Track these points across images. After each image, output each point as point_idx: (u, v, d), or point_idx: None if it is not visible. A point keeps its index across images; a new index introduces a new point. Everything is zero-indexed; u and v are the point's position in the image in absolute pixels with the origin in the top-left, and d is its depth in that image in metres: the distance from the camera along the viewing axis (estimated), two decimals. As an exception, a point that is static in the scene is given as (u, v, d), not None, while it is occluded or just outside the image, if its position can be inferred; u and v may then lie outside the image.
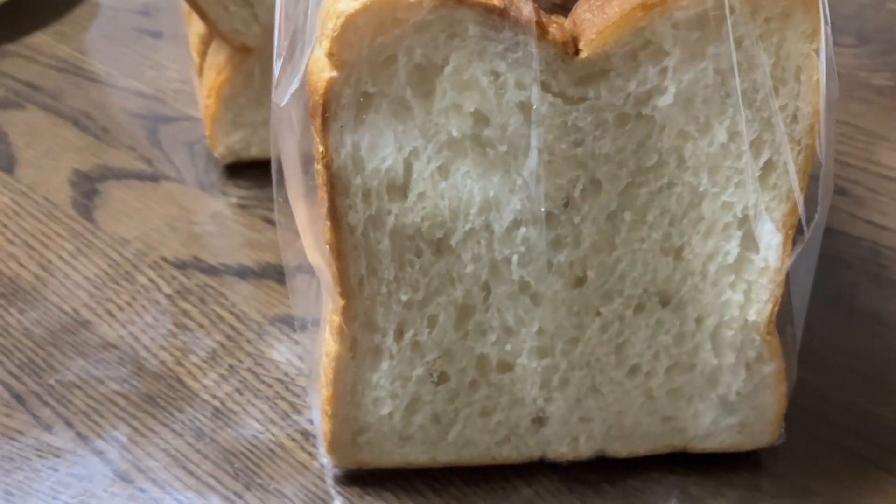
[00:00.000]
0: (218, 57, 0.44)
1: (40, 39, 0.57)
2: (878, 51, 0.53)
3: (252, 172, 0.46)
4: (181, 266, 0.42)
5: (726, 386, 0.31)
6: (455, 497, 0.33)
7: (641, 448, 0.32)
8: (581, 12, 0.27)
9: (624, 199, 0.28)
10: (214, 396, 0.36)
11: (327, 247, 0.28)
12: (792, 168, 0.27)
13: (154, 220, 0.44)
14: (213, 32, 0.44)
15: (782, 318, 0.31)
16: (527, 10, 0.25)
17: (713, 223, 0.29)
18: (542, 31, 0.26)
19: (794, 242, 0.29)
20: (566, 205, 0.28)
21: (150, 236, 0.43)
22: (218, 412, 0.36)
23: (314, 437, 0.34)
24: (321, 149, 0.27)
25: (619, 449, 0.32)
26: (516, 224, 0.28)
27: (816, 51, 0.26)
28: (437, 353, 0.30)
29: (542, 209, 0.27)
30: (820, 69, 0.26)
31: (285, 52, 0.26)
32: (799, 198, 0.28)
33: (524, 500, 0.32)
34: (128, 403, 0.36)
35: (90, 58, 0.56)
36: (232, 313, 0.40)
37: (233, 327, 0.39)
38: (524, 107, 0.27)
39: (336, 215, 0.28)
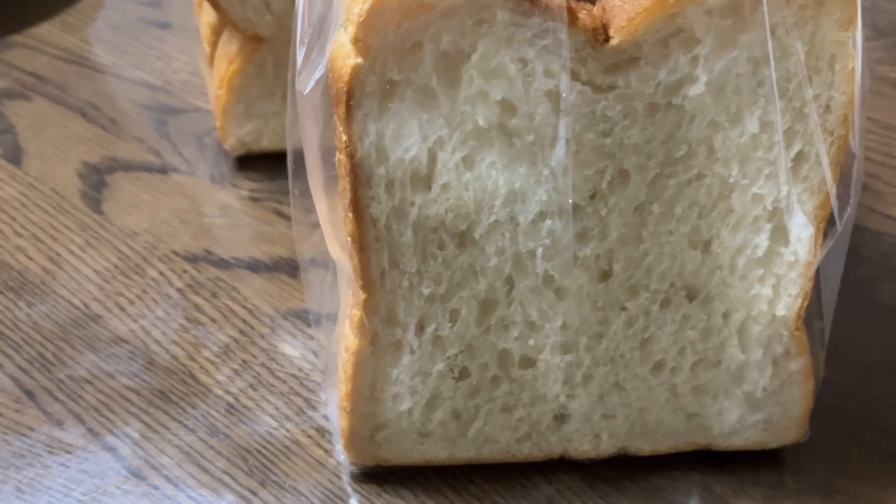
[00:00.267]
0: (229, 47, 0.44)
1: (46, 30, 0.56)
2: (893, 44, 0.53)
3: (263, 164, 0.46)
4: (192, 259, 0.41)
5: (753, 382, 0.30)
6: (475, 495, 0.32)
7: (664, 446, 0.32)
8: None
9: (652, 190, 0.28)
10: (228, 392, 0.36)
11: (349, 239, 0.28)
12: (825, 159, 0.27)
13: (164, 212, 0.44)
14: (225, 22, 0.43)
15: (809, 313, 0.30)
16: (557, -4, 0.25)
17: (743, 216, 0.28)
18: (573, 17, 0.25)
19: (825, 236, 0.28)
20: (593, 196, 0.28)
21: (159, 229, 0.43)
22: (231, 408, 0.35)
23: (330, 433, 0.34)
24: (344, 138, 0.26)
25: (642, 446, 0.32)
26: (542, 216, 0.28)
27: (851, 39, 0.26)
28: (459, 348, 0.30)
29: (569, 201, 0.27)
30: (856, 58, 0.26)
31: (308, 39, 0.26)
32: (832, 189, 0.27)
33: (545, 498, 0.32)
34: (139, 399, 0.35)
35: (97, 48, 0.55)
36: (244, 307, 0.39)
37: (245, 322, 0.38)
38: (552, 95, 0.26)
39: (358, 207, 0.27)
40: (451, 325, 0.29)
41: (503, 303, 0.29)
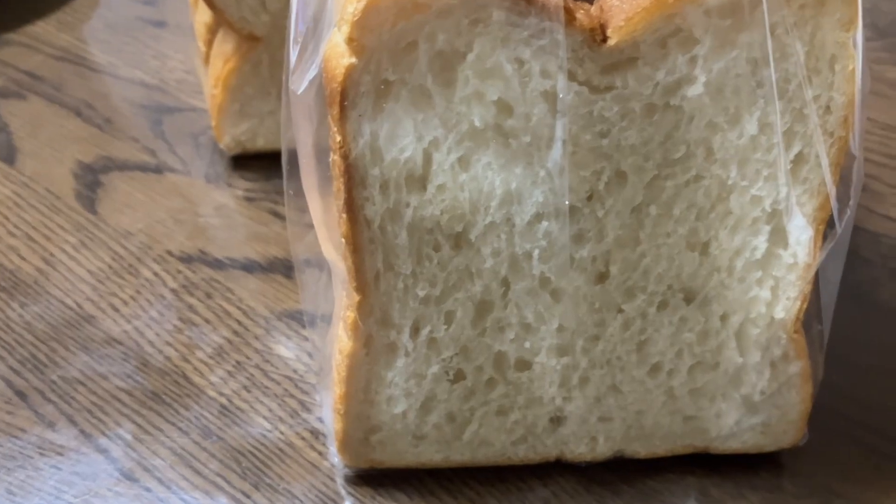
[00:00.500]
0: (225, 46, 0.44)
1: (41, 28, 0.56)
2: (893, 44, 0.53)
3: (258, 164, 0.45)
4: (186, 260, 0.41)
5: (751, 385, 0.30)
6: (469, 498, 0.32)
7: (661, 448, 0.32)
8: (608, -1, 0.26)
9: (650, 192, 0.28)
10: (221, 393, 0.35)
11: (343, 240, 0.27)
12: (824, 161, 0.26)
13: (158, 212, 0.43)
14: (221, 21, 0.43)
15: (808, 315, 0.30)
16: (554, -5, 0.24)
17: (741, 217, 0.28)
18: (570, 17, 0.25)
19: (824, 238, 0.28)
20: (590, 198, 0.27)
21: (154, 229, 0.42)
22: (225, 410, 0.35)
23: (324, 435, 0.33)
24: (338, 138, 0.26)
25: (639, 449, 0.32)
26: (538, 218, 0.27)
27: (852, 39, 0.25)
28: (454, 351, 0.29)
29: (566, 202, 0.27)
30: (856, 58, 0.25)
31: (302, 38, 0.25)
32: (831, 191, 0.27)
33: (540, 501, 0.32)
34: (132, 400, 0.35)
35: (92, 47, 0.55)
36: (239, 308, 0.39)
37: (240, 323, 0.38)
38: (549, 96, 0.26)
39: (352, 208, 0.27)
40: (446, 327, 0.29)
41: (499, 305, 0.29)
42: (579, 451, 0.31)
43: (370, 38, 0.25)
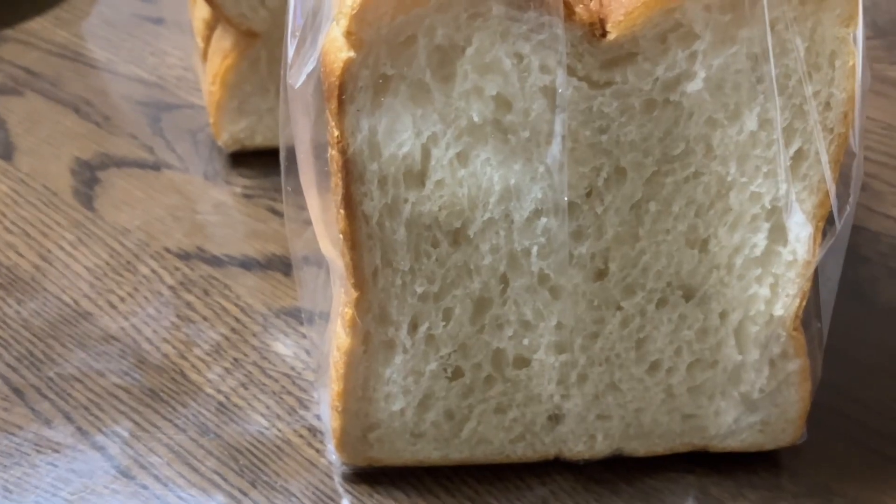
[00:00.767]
0: (223, 42, 0.43)
1: (39, 25, 0.56)
2: (893, 43, 0.52)
3: (257, 161, 0.45)
4: (184, 257, 0.41)
5: (749, 383, 0.30)
6: (468, 496, 0.32)
7: (660, 447, 0.32)
8: (607, -6, 0.26)
9: (649, 188, 0.27)
10: (219, 391, 0.35)
11: (341, 236, 0.27)
12: (824, 157, 0.26)
13: (156, 209, 0.43)
14: (219, 17, 0.42)
15: (807, 313, 0.30)
16: (553, -10, 0.24)
17: (741, 214, 0.28)
18: (569, 11, 0.25)
19: (824, 235, 0.28)
20: (589, 194, 0.27)
21: (152, 226, 0.42)
22: (222, 407, 0.35)
23: (322, 433, 0.33)
24: (336, 133, 0.26)
25: (637, 448, 0.32)
26: (537, 214, 0.27)
27: (852, 35, 0.25)
28: (452, 348, 0.29)
29: (565, 199, 0.26)
30: (857, 55, 0.25)
31: (300, 32, 0.25)
32: (831, 188, 0.27)
33: (539, 500, 0.32)
34: (129, 397, 0.35)
35: (90, 44, 0.55)
36: (236, 305, 0.39)
37: (237, 320, 0.38)
38: (548, 91, 0.26)
39: (350, 203, 0.27)
40: (444, 324, 0.29)
41: (497, 302, 0.29)
42: (578, 449, 0.31)
43: (368, 32, 0.24)
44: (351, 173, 0.26)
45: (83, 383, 0.36)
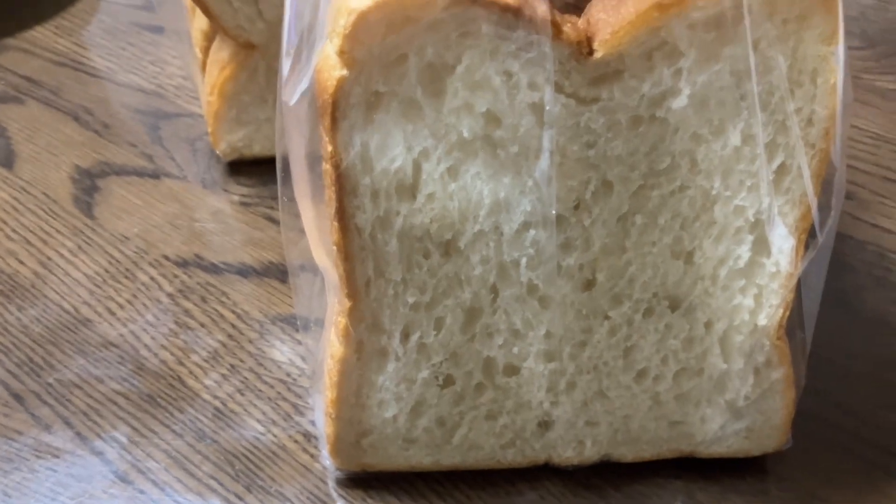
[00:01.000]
0: (221, 53, 0.44)
1: (40, 33, 0.57)
2: (883, 53, 0.53)
3: (254, 170, 0.46)
4: (182, 264, 0.41)
5: (735, 391, 0.31)
6: (459, 501, 0.32)
7: (648, 453, 0.32)
8: (595, 12, 0.27)
9: (635, 201, 0.28)
10: (216, 397, 0.36)
11: (334, 248, 0.28)
12: (806, 172, 0.27)
13: (155, 217, 0.44)
14: (217, 28, 0.43)
15: (791, 323, 0.30)
16: (542, 10, 0.25)
17: (725, 227, 0.28)
18: (557, 30, 0.25)
19: (807, 247, 0.29)
20: (577, 207, 0.28)
21: (151, 234, 0.43)
22: (219, 413, 0.35)
23: (316, 438, 0.34)
24: (330, 148, 0.26)
25: (625, 453, 0.32)
26: (526, 226, 0.28)
27: (833, 53, 0.26)
28: (444, 356, 0.30)
29: (553, 211, 0.27)
30: (837, 72, 0.26)
31: (294, 50, 0.26)
32: (813, 202, 0.27)
33: (529, 505, 0.32)
34: (128, 403, 0.36)
35: (90, 52, 0.55)
36: (234, 312, 0.39)
37: (234, 326, 0.39)
38: (536, 107, 0.26)
39: (344, 216, 0.27)
40: (435, 332, 0.29)
41: (488, 311, 0.29)
42: (567, 454, 0.32)
43: (361, 51, 0.25)
44: (344, 187, 0.27)
45: (82, 389, 0.36)
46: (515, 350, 0.30)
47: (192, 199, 0.45)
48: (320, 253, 0.29)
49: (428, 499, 0.32)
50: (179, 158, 0.47)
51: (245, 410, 0.35)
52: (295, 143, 0.28)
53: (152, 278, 0.41)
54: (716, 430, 0.31)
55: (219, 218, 0.44)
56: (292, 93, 0.26)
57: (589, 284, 0.29)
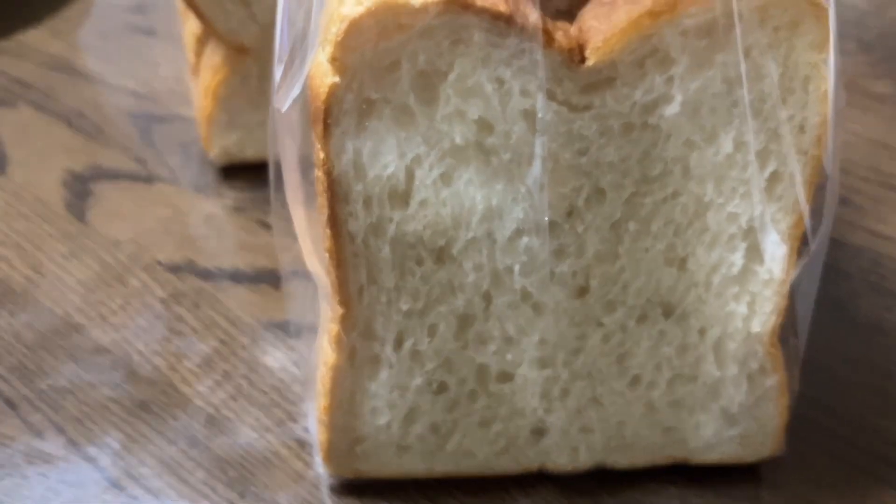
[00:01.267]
0: (214, 57, 0.44)
1: (32, 37, 0.56)
2: (879, 58, 0.53)
3: (247, 174, 0.46)
4: (175, 269, 0.41)
5: (728, 398, 0.31)
6: (453, 508, 0.32)
7: (642, 459, 0.32)
8: (587, 19, 0.27)
9: (628, 208, 0.28)
10: (208, 403, 0.36)
11: (327, 254, 0.28)
12: (798, 179, 0.27)
13: (148, 221, 0.44)
14: (210, 32, 0.43)
15: (785, 329, 0.30)
16: (533, 17, 0.25)
17: (718, 234, 0.28)
18: (549, 38, 0.25)
19: (800, 254, 0.29)
20: (569, 214, 0.28)
21: (143, 238, 0.43)
22: (212, 419, 0.35)
23: (310, 445, 0.34)
24: (322, 155, 0.26)
25: (620, 460, 0.32)
26: (519, 233, 0.28)
27: (825, 61, 0.26)
28: (437, 363, 0.30)
29: (546, 218, 0.27)
30: (829, 79, 0.26)
31: (286, 56, 0.26)
32: (805, 209, 0.27)
33: (523, 511, 0.32)
34: (120, 409, 0.35)
35: (83, 56, 0.55)
36: (226, 318, 0.39)
37: (227, 332, 0.39)
38: (528, 114, 0.26)
39: (336, 223, 0.27)
40: (429, 339, 0.29)
41: (481, 318, 0.29)
42: (561, 461, 0.32)
43: (353, 58, 0.25)
44: (336, 194, 0.27)
45: (75, 395, 0.36)
46: (509, 357, 0.30)
47: (184, 203, 0.45)
48: (313, 259, 0.29)
49: (421, 505, 0.32)
50: (172, 163, 0.47)
51: (238, 417, 0.35)
52: (287, 150, 0.28)
53: (145, 283, 0.41)
54: (710, 436, 0.31)
55: (211, 223, 0.44)
56: (284, 99, 0.26)
57: (582, 291, 0.29)
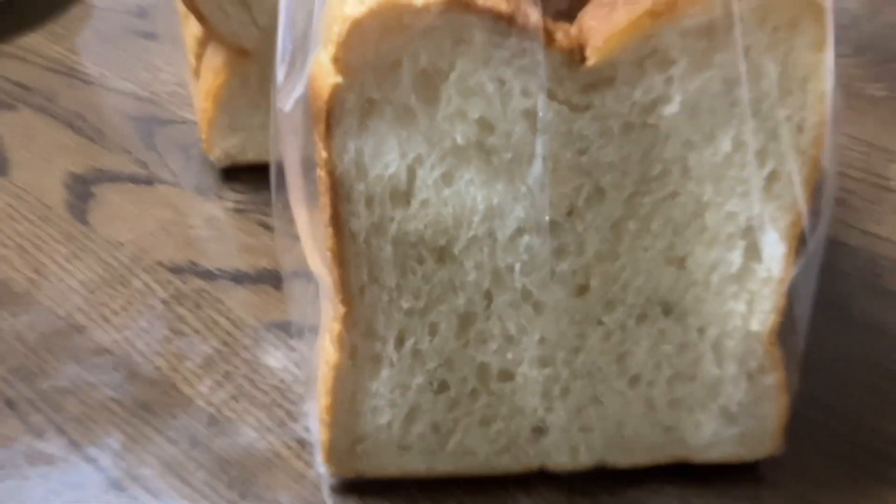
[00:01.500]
0: (215, 60, 0.44)
1: (33, 40, 0.57)
2: (873, 61, 0.53)
3: (248, 176, 0.46)
4: (176, 270, 0.41)
5: (728, 396, 0.31)
6: (454, 507, 0.32)
7: (642, 458, 0.32)
8: (587, 19, 0.27)
9: (628, 207, 0.28)
10: (210, 403, 0.36)
11: (329, 254, 0.28)
12: (797, 179, 0.27)
13: (149, 223, 0.44)
14: (211, 35, 0.43)
15: (784, 328, 0.31)
16: (534, 17, 0.25)
17: (717, 233, 0.29)
18: (549, 38, 0.26)
19: (798, 253, 0.29)
20: (570, 213, 0.28)
21: (145, 240, 0.43)
22: (213, 419, 0.35)
23: (311, 445, 0.34)
24: (324, 154, 0.26)
25: (620, 459, 0.32)
26: (519, 232, 0.28)
27: (823, 60, 0.26)
28: (438, 362, 0.30)
29: (546, 217, 0.27)
30: (827, 79, 0.26)
31: (288, 56, 0.26)
32: (803, 208, 0.27)
33: (523, 511, 0.32)
34: (122, 410, 0.36)
35: (83, 59, 0.55)
36: (228, 319, 0.39)
37: (229, 333, 0.39)
38: (529, 114, 0.26)
39: (338, 222, 0.27)
40: (430, 338, 0.29)
41: (482, 317, 0.29)
42: (562, 461, 0.32)
43: (355, 58, 0.25)
44: (338, 193, 0.27)
45: (76, 396, 0.36)
46: (510, 356, 0.30)
47: (185, 205, 0.45)
48: (315, 259, 0.29)
49: (422, 505, 0.32)
50: (173, 165, 0.47)
51: (239, 417, 0.35)
52: (289, 149, 0.28)
53: (146, 284, 0.41)
54: (709, 435, 0.32)
55: (213, 224, 0.44)
56: (287, 99, 0.26)
57: (582, 290, 0.29)
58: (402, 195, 0.27)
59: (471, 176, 0.27)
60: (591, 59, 0.26)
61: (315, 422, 0.32)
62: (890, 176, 0.46)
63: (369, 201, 0.27)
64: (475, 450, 0.32)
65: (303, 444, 0.34)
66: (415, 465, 0.32)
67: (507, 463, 0.32)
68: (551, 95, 0.26)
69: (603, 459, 0.32)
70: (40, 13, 0.59)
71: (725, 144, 0.27)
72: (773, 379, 0.31)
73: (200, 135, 0.46)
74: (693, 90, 0.27)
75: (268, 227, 0.44)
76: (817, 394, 0.35)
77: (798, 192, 0.27)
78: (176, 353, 0.38)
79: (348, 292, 0.28)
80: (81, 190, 0.46)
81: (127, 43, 0.56)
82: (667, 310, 0.30)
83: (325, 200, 0.27)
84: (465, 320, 0.30)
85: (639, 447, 0.32)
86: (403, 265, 0.28)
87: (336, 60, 0.25)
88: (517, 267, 0.28)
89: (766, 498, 0.33)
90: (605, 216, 0.28)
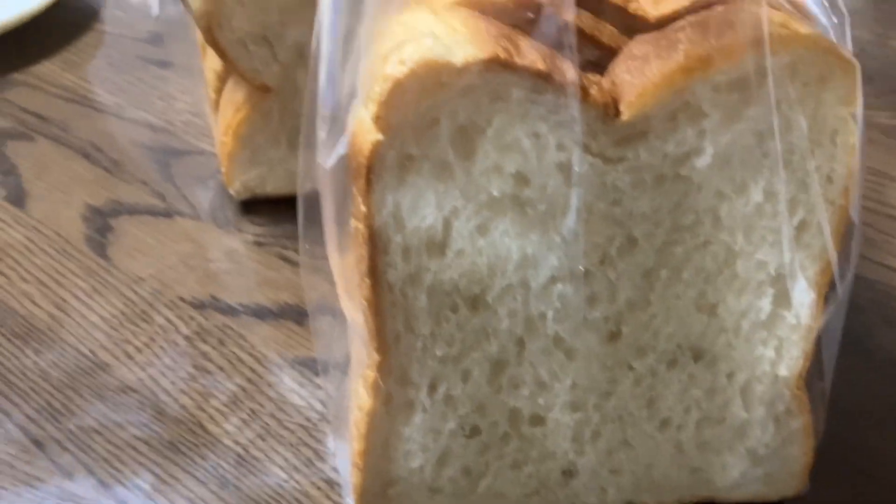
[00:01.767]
0: (235, 94, 0.44)
1: (47, 68, 0.57)
2: (882, 90, 0.54)
3: (267, 209, 0.46)
4: (199, 306, 0.41)
5: (755, 439, 0.31)
6: (483, 547, 0.33)
7: (669, 498, 0.33)
8: (619, 72, 0.27)
9: (660, 256, 0.29)
10: (237, 442, 0.36)
11: (365, 303, 0.28)
12: (826, 228, 0.28)
13: (169, 257, 0.44)
14: (232, 70, 0.43)
15: (810, 373, 0.31)
16: (570, 74, 0.25)
17: (747, 281, 0.29)
18: (584, 93, 0.26)
19: (826, 299, 0.29)
20: (602, 262, 0.28)
21: (165, 274, 0.43)
22: (241, 459, 0.35)
23: (339, 485, 0.34)
24: (363, 209, 0.27)
25: (647, 500, 0.33)
26: (553, 280, 0.28)
27: (852, 114, 0.27)
28: (470, 407, 0.30)
29: (580, 266, 0.28)
30: (856, 134, 0.27)
31: (329, 113, 0.26)
32: (833, 257, 0.28)
33: (552, 550, 0.32)
34: (149, 449, 0.36)
35: (97, 87, 0.55)
36: (252, 355, 0.39)
37: (253, 370, 0.39)
38: (564, 167, 0.27)
39: (375, 273, 0.28)
40: (463, 384, 0.30)
41: (514, 363, 0.30)
42: (590, 502, 0.32)
43: (395, 117, 0.25)
44: (376, 245, 0.27)
45: (103, 435, 0.36)
46: (541, 401, 0.30)
47: (205, 238, 0.45)
48: (348, 305, 0.30)
49: (452, 546, 0.33)
50: (191, 197, 0.47)
51: (267, 457, 0.35)
52: (327, 204, 0.28)
53: (169, 320, 0.41)
54: (736, 476, 0.32)
55: (233, 258, 0.44)
56: (329, 155, 0.27)
57: (614, 336, 0.30)
58: (438, 246, 0.28)
59: (505, 227, 0.28)
60: (625, 114, 0.26)
61: (343, 460, 0.33)
62: (901, 206, 0.46)
63: (406, 253, 0.27)
64: (505, 492, 0.32)
65: (331, 484, 0.34)
66: (445, 506, 0.32)
67: (537, 504, 0.32)
68: (586, 149, 0.27)
69: (631, 500, 0.33)
70: (53, 41, 0.59)
71: (756, 195, 0.28)
72: (800, 422, 0.31)
73: (219, 167, 0.46)
74: (725, 143, 0.27)
75: (288, 261, 0.44)
76: (840, 431, 0.35)
77: (828, 241, 0.28)
78: (201, 391, 0.38)
79: (384, 341, 0.29)
80: (100, 223, 0.46)
81: (140, 71, 0.56)
82: (697, 355, 0.30)
83: (362, 252, 0.27)
84: (498, 367, 0.30)
85: (666, 488, 0.32)
86: (438, 314, 0.29)
87: (377, 119, 0.25)
88: (550, 314, 0.29)
89: (789, 535, 0.33)
90: (638, 265, 0.29)
